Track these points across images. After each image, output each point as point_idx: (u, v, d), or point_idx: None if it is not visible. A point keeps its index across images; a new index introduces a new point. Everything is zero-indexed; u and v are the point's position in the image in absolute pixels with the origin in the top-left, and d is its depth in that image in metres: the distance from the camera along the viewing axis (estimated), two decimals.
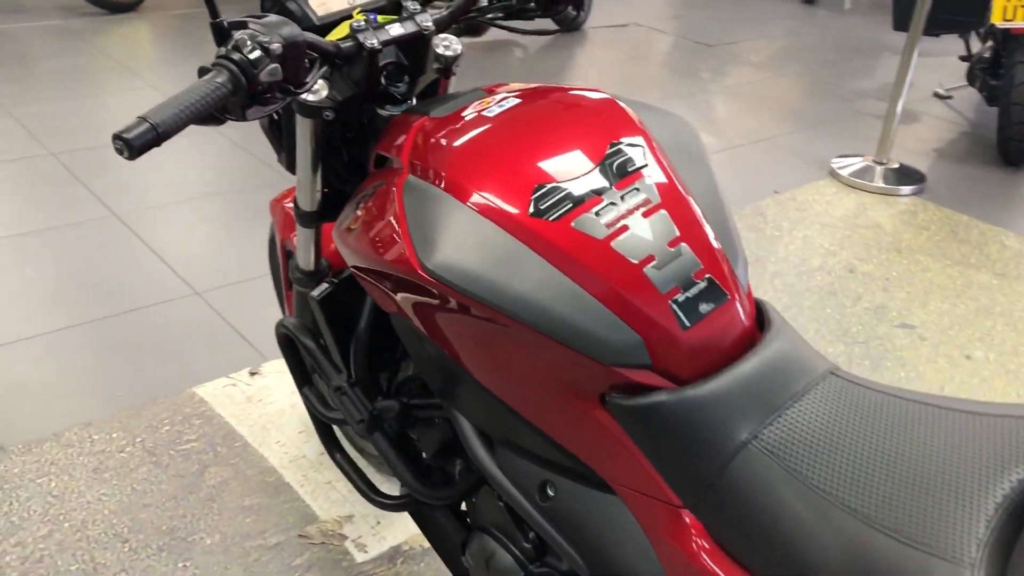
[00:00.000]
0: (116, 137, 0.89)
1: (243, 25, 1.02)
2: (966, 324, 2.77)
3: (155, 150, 1.01)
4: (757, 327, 1.01)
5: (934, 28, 3.92)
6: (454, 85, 1.36)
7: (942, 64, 5.61)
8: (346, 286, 1.38)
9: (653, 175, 1.03)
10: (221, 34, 1.02)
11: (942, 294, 2.95)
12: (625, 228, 0.97)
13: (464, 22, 1.29)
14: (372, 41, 1.14)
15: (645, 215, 0.99)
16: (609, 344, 0.93)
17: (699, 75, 5.16)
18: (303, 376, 1.49)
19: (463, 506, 1.42)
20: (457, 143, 1.07)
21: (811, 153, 4.10)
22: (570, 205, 0.98)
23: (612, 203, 0.99)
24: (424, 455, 1.41)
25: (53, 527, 1.80)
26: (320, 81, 1.19)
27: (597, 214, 0.98)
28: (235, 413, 2.15)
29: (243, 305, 2.58)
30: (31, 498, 1.86)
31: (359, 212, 1.15)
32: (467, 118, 1.11)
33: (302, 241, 1.46)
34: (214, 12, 1.02)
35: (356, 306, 1.37)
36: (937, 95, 5.07)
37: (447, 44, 1.26)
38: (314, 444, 2.06)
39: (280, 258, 1.82)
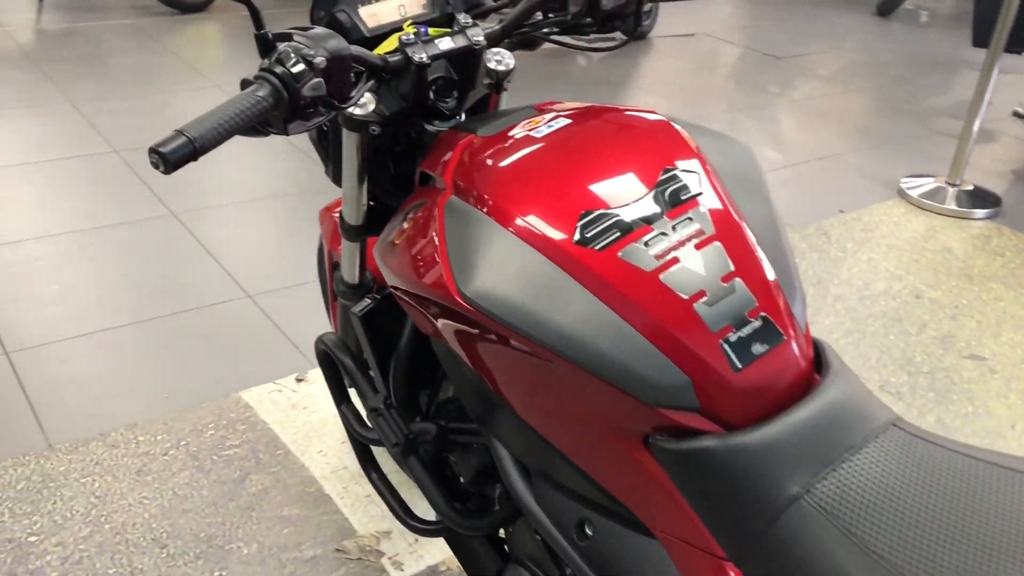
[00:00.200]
0: (152, 151, 0.87)
1: (288, 37, 1.00)
2: None
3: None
4: (815, 370, 0.95)
5: (1016, 45, 3.75)
6: (506, 100, 1.32)
7: (1022, 81, 5.39)
8: (388, 303, 1.34)
9: (708, 204, 0.98)
10: (265, 46, 0.99)
11: (1015, 325, 2.81)
12: (676, 260, 0.92)
13: (518, 36, 1.25)
14: (421, 55, 1.11)
15: (698, 247, 0.93)
16: (655, 384, 0.88)
17: (766, 88, 5.05)
18: (341, 393, 1.46)
19: (500, 532, 1.38)
20: (503, 164, 1.02)
21: (880, 172, 3.97)
22: (618, 233, 0.93)
23: (663, 233, 0.94)
24: (461, 479, 1.38)
25: (94, 528, 1.80)
26: (367, 95, 1.16)
27: (646, 244, 0.93)
28: (279, 420, 2.14)
29: (293, 310, 2.58)
30: (74, 498, 1.87)
31: (399, 231, 1.11)
32: (515, 138, 1.06)
33: (347, 254, 1.44)
34: (258, 23, 0.99)
35: (398, 323, 1.34)
36: (1017, 114, 4.87)
37: (499, 59, 1.22)
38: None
39: (327, 269, 1.80)
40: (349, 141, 1.24)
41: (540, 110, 1.14)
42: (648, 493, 0.93)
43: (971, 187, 3.73)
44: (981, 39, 3.91)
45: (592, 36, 1.28)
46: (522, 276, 0.92)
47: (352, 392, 1.56)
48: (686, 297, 0.90)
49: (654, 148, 1.03)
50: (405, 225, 1.11)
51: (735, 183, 1.04)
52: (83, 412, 2.12)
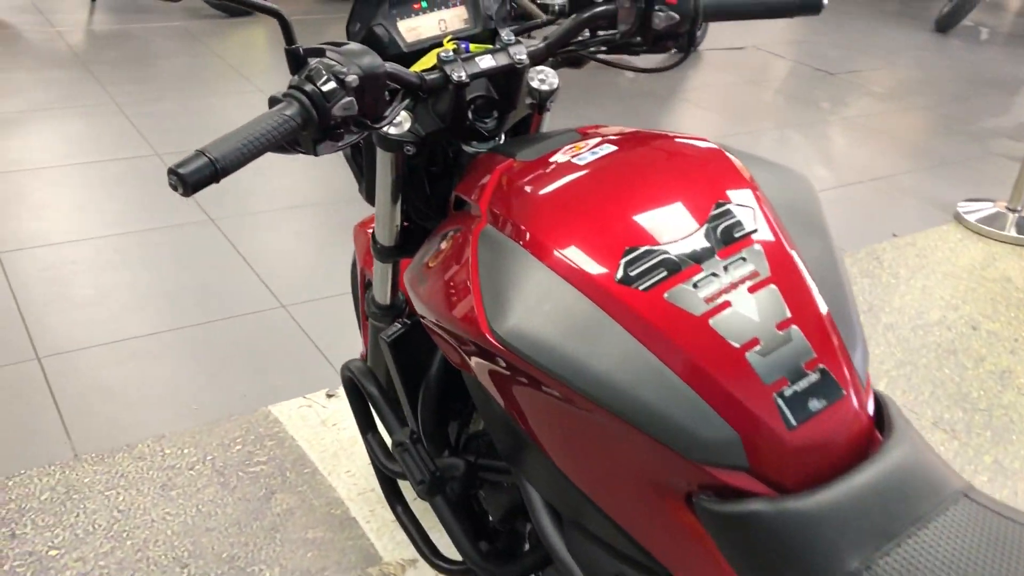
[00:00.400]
0: (171, 171, 0.82)
1: (320, 53, 0.94)
2: None
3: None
4: (877, 429, 0.87)
5: None
6: (548, 121, 1.25)
7: None
8: (418, 329, 1.28)
9: (763, 242, 0.90)
10: (296, 62, 0.94)
11: None
12: (727, 304, 0.85)
13: (563, 55, 1.18)
14: (460, 74, 1.04)
15: (751, 290, 0.86)
16: (700, 439, 0.80)
17: (817, 104, 4.93)
18: (367, 422, 1.41)
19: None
20: (542, 193, 0.96)
21: (935, 195, 3.83)
22: (664, 273, 0.86)
23: (714, 273, 0.87)
24: (490, 516, 1.31)
25: (115, 544, 1.76)
26: (403, 113, 1.10)
27: (695, 286, 0.85)
28: (308, 437, 2.09)
29: (327, 322, 2.53)
30: (97, 511, 1.84)
31: (430, 259, 1.05)
32: (556, 164, 1.00)
33: (379, 275, 1.38)
34: (289, 38, 0.94)
35: (428, 351, 1.28)
36: None
37: (543, 77, 1.15)
38: None
39: (359, 287, 1.75)
40: (383, 160, 1.18)
41: (583, 134, 1.08)
42: (689, 556, 0.86)
43: None
44: None
45: (642, 54, 1.21)
46: (559, 315, 0.86)
47: (378, 420, 1.50)
48: (738, 345, 0.82)
49: (705, 179, 0.96)
50: (436, 253, 1.05)
51: (792, 218, 0.96)
52: (111, 421, 2.09)
